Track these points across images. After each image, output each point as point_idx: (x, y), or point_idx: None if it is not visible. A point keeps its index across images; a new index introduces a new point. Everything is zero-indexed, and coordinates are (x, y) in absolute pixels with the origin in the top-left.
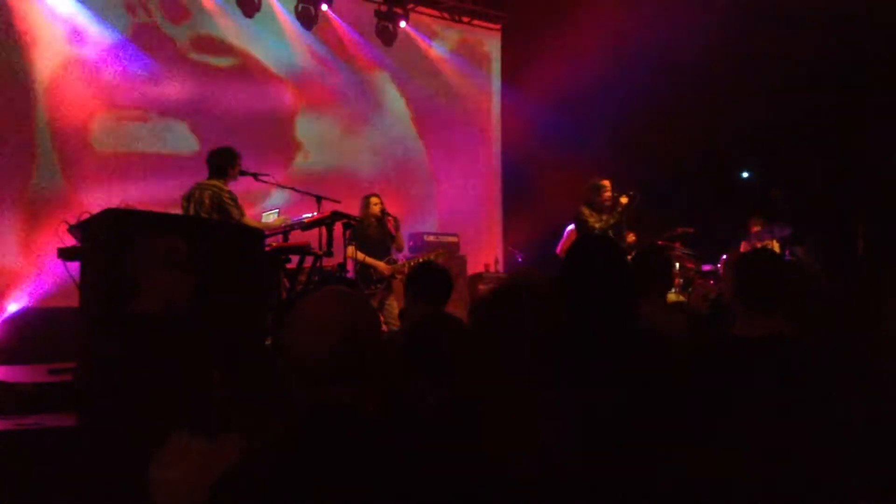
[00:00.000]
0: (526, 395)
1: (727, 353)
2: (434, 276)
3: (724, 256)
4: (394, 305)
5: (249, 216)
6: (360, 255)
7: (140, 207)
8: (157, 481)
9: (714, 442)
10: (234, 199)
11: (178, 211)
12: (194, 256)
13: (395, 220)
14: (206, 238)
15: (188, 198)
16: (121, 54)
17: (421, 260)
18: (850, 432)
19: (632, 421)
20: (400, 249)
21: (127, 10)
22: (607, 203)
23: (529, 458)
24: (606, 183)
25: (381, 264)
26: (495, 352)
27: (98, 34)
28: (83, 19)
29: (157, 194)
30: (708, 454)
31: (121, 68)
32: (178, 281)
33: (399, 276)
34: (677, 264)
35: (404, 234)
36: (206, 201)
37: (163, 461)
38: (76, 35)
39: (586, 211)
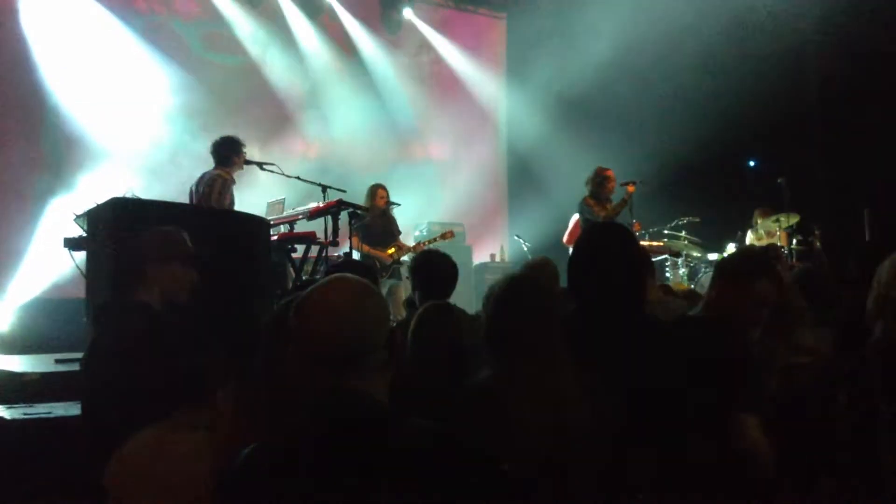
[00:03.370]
0: (544, 381)
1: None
2: (436, 265)
3: (730, 245)
4: (400, 293)
5: (254, 205)
6: (366, 247)
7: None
8: (126, 477)
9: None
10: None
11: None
12: (198, 246)
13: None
14: (211, 227)
15: (193, 187)
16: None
17: (423, 247)
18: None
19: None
20: (398, 234)
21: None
22: (611, 193)
23: (549, 442)
24: (610, 173)
25: (382, 254)
26: (512, 339)
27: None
28: (94, 12)
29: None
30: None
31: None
32: (180, 272)
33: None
34: (684, 252)
35: (410, 223)
36: (210, 190)
37: (135, 456)
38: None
39: (591, 201)
